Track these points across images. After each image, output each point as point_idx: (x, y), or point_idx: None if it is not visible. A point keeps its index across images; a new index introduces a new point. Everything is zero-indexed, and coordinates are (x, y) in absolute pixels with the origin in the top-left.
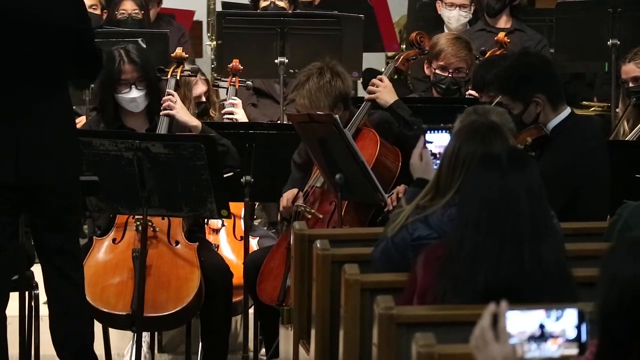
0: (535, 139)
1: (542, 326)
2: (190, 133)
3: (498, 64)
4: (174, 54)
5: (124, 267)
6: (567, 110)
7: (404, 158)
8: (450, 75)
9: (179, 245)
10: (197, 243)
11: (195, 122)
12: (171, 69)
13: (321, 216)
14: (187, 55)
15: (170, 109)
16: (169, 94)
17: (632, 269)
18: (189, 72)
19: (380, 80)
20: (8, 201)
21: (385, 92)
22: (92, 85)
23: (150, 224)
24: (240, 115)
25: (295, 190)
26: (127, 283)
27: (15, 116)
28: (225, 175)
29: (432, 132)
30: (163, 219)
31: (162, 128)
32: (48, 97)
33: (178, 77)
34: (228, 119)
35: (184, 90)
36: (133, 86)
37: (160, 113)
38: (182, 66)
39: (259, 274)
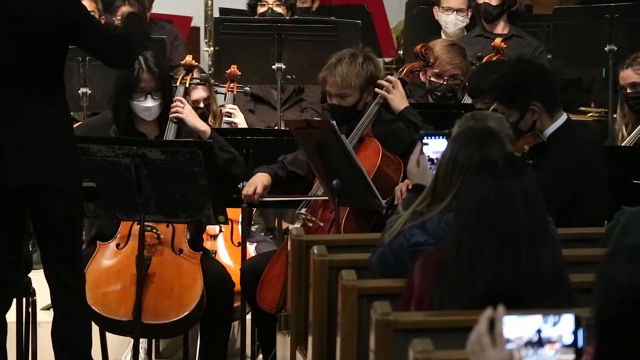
0: (533, 146)
1: (539, 331)
2: (191, 139)
3: (493, 70)
4: (184, 61)
5: (127, 272)
6: (564, 117)
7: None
8: (445, 82)
9: (182, 254)
10: (201, 252)
11: (204, 127)
12: (180, 77)
13: (322, 224)
14: (197, 63)
15: (180, 113)
16: (177, 100)
17: (630, 275)
18: (198, 80)
19: (391, 83)
20: (6, 210)
21: (398, 98)
22: (89, 92)
23: (155, 231)
24: (240, 120)
25: (265, 182)
26: (129, 289)
27: (10, 118)
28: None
29: (429, 138)
30: (168, 226)
31: (170, 134)
32: (43, 101)
33: (187, 85)
34: (227, 122)
35: None
36: (149, 95)
37: (170, 115)
38: (191, 74)
39: (259, 282)
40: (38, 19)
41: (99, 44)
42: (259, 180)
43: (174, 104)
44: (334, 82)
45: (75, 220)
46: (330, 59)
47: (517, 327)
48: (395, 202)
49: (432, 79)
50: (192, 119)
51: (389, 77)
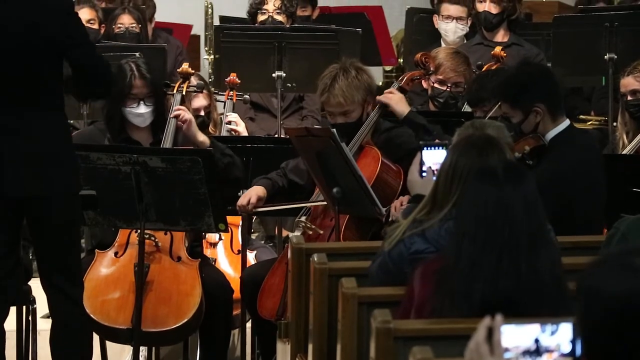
0: (533, 148)
1: (537, 340)
2: (191, 147)
3: (493, 78)
4: (180, 69)
5: (125, 280)
6: (566, 122)
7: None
8: (448, 89)
9: (181, 261)
10: (199, 259)
11: (202, 137)
12: (177, 84)
13: (322, 232)
14: (193, 71)
15: (186, 119)
16: (179, 109)
17: (615, 284)
18: (195, 88)
19: (391, 92)
20: (3, 219)
21: (400, 104)
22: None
23: (153, 239)
24: (242, 129)
25: (260, 193)
26: (128, 297)
27: (8, 128)
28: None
29: (429, 148)
30: (166, 234)
31: (167, 142)
32: (42, 111)
33: (184, 93)
34: (229, 130)
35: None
36: (142, 102)
37: (182, 119)
38: (188, 82)
39: (259, 290)
40: (38, 30)
41: (86, 65)
42: (254, 192)
43: (178, 112)
44: (337, 102)
45: (73, 228)
46: (321, 80)
47: (515, 336)
48: (390, 219)
49: (436, 85)
50: (194, 129)
51: (391, 89)
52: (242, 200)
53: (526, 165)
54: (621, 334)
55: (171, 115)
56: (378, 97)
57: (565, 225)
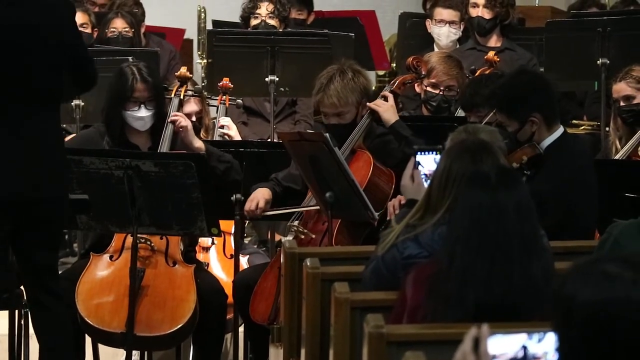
0: (530, 157)
1: (524, 348)
2: (184, 152)
3: (486, 83)
4: (179, 73)
5: (120, 284)
6: (560, 130)
7: (398, 180)
8: (441, 93)
9: (176, 266)
10: (195, 265)
11: (199, 143)
12: (175, 88)
13: (314, 236)
14: (191, 75)
15: (183, 126)
16: (176, 115)
17: (590, 293)
18: (192, 92)
19: (386, 98)
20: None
21: (389, 112)
22: (82, 104)
23: (149, 243)
24: (234, 133)
25: (267, 196)
26: (122, 301)
27: (7, 131)
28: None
29: (423, 153)
30: (161, 238)
31: (165, 147)
32: (36, 114)
33: (182, 97)
34: (221, 134)
35: None
36: (142, 105)
37: (179, 125)
38: (185, 86)
39: (252, 294)
40: (38, 32)
41: (83, 64)
42: (260, 195)
43: (175, 117)
44: (331, 103)
45: (61, 230)
46: (318, 79)
47: (503, 343)
48: (388, 218)
49: (428, 88)
50: (191, 135)
51: (383, 92)
52: (249, 205)
53: (525, 176)
54: (597, 341)
55: (168, 120)
56: (368, 104)
57: (569, 231)
